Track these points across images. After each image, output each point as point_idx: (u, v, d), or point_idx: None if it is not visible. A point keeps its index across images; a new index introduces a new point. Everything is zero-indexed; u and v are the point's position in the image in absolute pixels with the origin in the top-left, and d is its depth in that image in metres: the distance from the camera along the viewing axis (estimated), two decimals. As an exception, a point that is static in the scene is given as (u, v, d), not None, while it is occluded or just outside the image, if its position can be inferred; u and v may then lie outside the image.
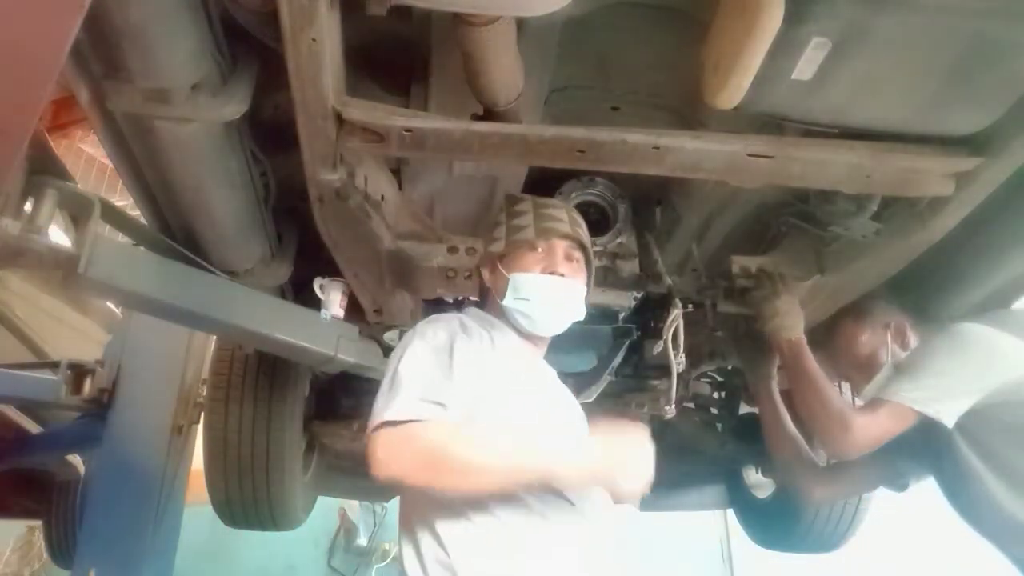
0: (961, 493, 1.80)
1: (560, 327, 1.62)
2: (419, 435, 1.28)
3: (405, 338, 1.51)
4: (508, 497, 1.33)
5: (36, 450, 3.76)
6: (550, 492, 1.36)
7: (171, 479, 3.06)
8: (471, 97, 1.44)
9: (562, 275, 1.59)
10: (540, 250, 1.59)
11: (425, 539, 1.34)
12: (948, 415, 1.69)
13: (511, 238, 1.61)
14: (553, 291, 1.57)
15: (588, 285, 1.67)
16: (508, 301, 1.57)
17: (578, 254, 1.63)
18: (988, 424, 1.70)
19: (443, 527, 1.33)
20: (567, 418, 1.57)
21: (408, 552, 1.37)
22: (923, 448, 1.85)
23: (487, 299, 1.68)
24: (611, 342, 2.27)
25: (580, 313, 1.63)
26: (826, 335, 2.11)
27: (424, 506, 1.37)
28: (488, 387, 1.42)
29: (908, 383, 1.75)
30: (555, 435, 1.44)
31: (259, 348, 2.51)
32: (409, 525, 1.39)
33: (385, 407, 1.32)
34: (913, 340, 1.96)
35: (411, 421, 1.29)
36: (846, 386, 2.63)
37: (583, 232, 1.65)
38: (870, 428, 1.76)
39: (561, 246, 1.60)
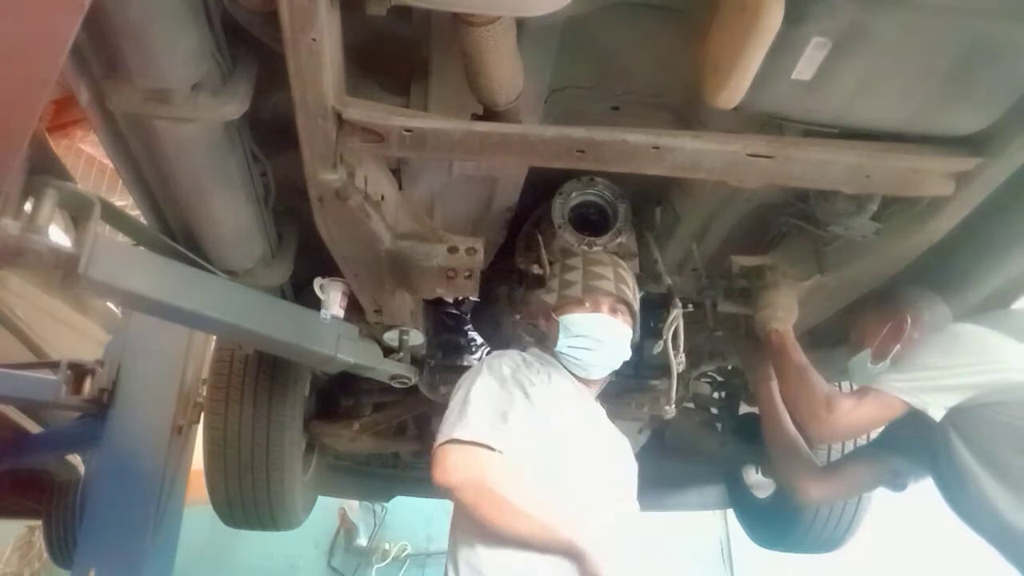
0: (958, 493, 1.80)
1: (608, 366, 1.74)
2: (480, 461, 1.43)
3: (472, 369, 1.66)
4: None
5: (36, 450, 3.75)
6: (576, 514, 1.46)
7: (171, 479, 3.06)
8: (471, 97, 1.44)
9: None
10: (587, 305, 1.74)
11: (464, 562, 1.46)
12: (935, 407, 1.70)
13: (562, 292, 1.78)
14: (598, 327, 1.72)
15: (634, 334, 1.79)
16: (560, 346, 1.73)
17: (623, 308, 1.77)
18: (983, 423, 1.71)
19: (484, 552, 1.44)
20: (612, 454, 1.72)
21: (450, 570, 1.49)
22: (920, 448, 1.85)
23: (545, 345, 1.81)
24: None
25: (626, 354, 1.77)
26: (849, 326, 2.12)
27: (470, 530, 1.47)
28: (545, 419, 1.54)
29: (896, 374, 1.77)
30: (599, 482, 1.58)
31: (259, 348, 2.51)
32: (454, 546, 1.50)
33: (455, 426, 1.47)
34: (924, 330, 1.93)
35: (476, 444, 1.43)
36: (846, 385, 2.63)
37: (627, 290, 1.78)
38: (854, 413, 1.78)
39: (607, 302, 1.75)
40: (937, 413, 1.70)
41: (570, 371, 1.74)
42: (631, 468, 1.80)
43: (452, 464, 1.44)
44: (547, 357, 1.77)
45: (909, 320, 1.94)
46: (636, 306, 1.81)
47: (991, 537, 1.76)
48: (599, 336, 1.71)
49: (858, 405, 1.78)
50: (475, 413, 1.49)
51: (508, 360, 1.66)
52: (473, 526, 1.46)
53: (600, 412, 1.79)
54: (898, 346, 1.93)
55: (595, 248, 2.01)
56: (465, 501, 1.43)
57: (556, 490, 1.48)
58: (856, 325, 2.09)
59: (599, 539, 1.40)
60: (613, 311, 1.75)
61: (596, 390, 1.81)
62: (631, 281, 1.82)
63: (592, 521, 1.46)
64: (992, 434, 1.71)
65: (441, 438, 1.48)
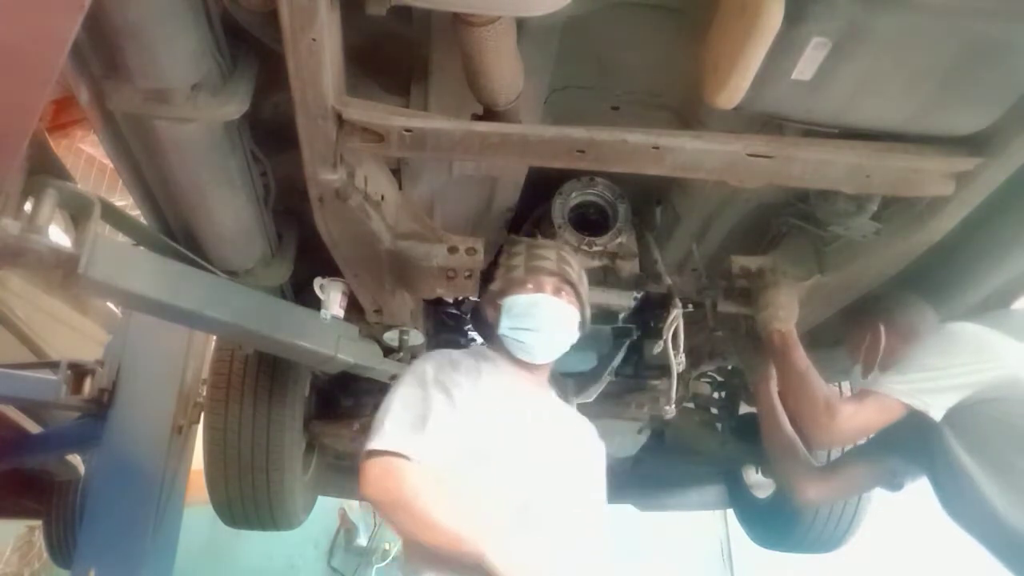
0: (953, 493, 1.80)
1: (553, 349, 1.70)
2: (394, 472, 1.42)
3: (401, 373, 1.64)
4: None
5: (36, 450, 3.75)
6: (510, 512, 1.45)
7: (171, 479, 3.06)
8: (471, 97, 1.44)
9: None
10: (530, 285, 1.71)
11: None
12: (935, 408, 1.70)
13: (506, 276, 1.75)
14: (540, 306, 1.67)
15: (582, 321, 1.75)
16: (503, 329, 1.69)
17: (567, 288, 1.72)
18: (981, 421, 1.71)
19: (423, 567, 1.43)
20: (559, 444, 1.64)
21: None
22: (917, 448, 1.85)
23: (491, 337, 1.79)
24: (611, 342, 2.27)
25: (571, 336, 1.72)
26: (846, 335, 2.13)
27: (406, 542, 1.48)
28: (470, 419, 1.51)
29: (896, 376, 1.77)
30: (531, 470, 1.54)
31: (259, 348, 2.51)
32: (402, 558, 1.51)
33: (373, 437, 1.47)
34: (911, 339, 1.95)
35: (392, 453, 1.43)
36: (845, 385, 2.63)
37: (571, 271, 1.74)
38: (856, 417, 1.78)
39: (549, 282, 1.71)
40: (937, 414, 1.70)
41: (516, 356, 1.70)
42: (590, 456, 1.74)
43: (371, 476, 1.43)
44: (486, 352, 1.75)
45: (882, 328, 1.97)
46: (582, 288, 1.76)
47: (985, 538, 1.76)
48: (541, 316, 1.67)
49: (859, 410, 1.78)
50: (392, 422, 1.48)
51: (433, 362, 1.63)
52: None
53: (547, 400, 1.75)
54: (880, 355, 1.94)
55: (595, 248, 2.01)
56: (382, 514, 1.45)
57: (479, 494, 1.45)
58: (845, 342, 2.11)
59: (506, 549, 1.35)
60: (557, 291, 1.71)
61: (544, 376, 1.77)
62: (575, 264, 1.77)
63: (504, 529, 1.42)
64: (989, 431, 1.71)
65: (363, 450, 1.48)
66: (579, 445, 1.73)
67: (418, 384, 1.56)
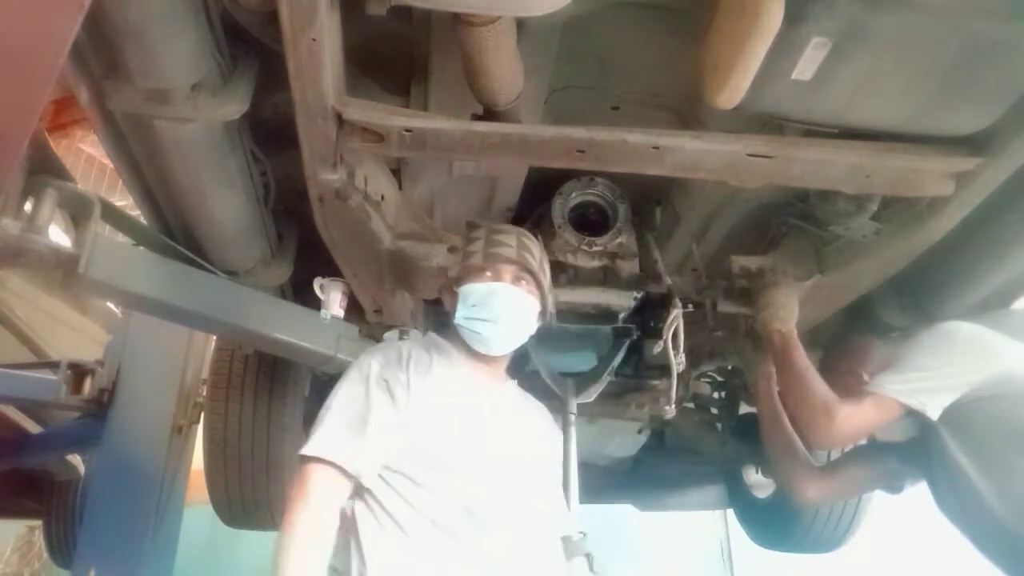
0: (949, 493, 1.80)
1: (510, 340, 1.62)
2: (308, 487, 1.37)
3: (347, 369, 1.55)
4: (420, 516, 1.40)
5: (36, 450, 3.75)
6: (456, 512, 1.41)
7: (171, 479, 3.06)
8: (471, 97, 1.44)
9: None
10: (488, 273, 1.61)
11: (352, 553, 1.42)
12: (932, 407, 1.71)
13: (464, 263, 1.65)
14: (497, 295, 1.58)
15: (544, 311, 1.67)
16: (459, 319, 1.60)
17: (527, 277, 1.63)
18: (976, 419, 1.71)
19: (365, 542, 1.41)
20: (513, 439, 1.58)
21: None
22: (916, 448, 1.85)
23: (448, 325, 1.70)
24: (611, 342, 2.27)
25: (531, 327, 1.64)
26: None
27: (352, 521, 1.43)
28: (416, 417, 1.45)
29: (893, 376, 1.77)
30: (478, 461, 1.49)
31: (259, 348, 2.51)
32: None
33: (309, 438, 1.41)
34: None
35: (325, 461, 1.37)
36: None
37: (531, 258, 1.64)
38: (854, 418, 1.78)
39: (508, 270, 1.61)
40: (935, 413, 1.71)
41: (472, 347, 1.60)
42: (549, 449, 1.70)
43: (296, 480, 1.38)
44: (439, 342, 1.65)
45: (852, 367, 2.04)
46: (544, 277, 1.67)
47: (978, 538, 1.76)
48: (499, 306, 1.58)
49: (857, 411, 1.78)
50: (329, 425, 1.43)
51: (380, 357, 1.54)
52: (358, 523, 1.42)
53: (504, 393, 1.67)
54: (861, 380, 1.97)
55: (595, 248, 2.01)
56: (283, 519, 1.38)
57: (430, 495, 1.41)
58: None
59: None
60: (516, 280, 1.61)
61: (502, 366, 1.68)
62: (537, 252, 1.67)
63: (457, 531, 1.40)
64: (985, 430, 1.71)
65: (299, 451, 1.43)
66: (539, 437, 1.68)
67: (361, 383, 1.48)
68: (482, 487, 1.46)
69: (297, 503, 1.35)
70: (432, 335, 1.71)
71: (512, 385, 1.71)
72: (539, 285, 1.65)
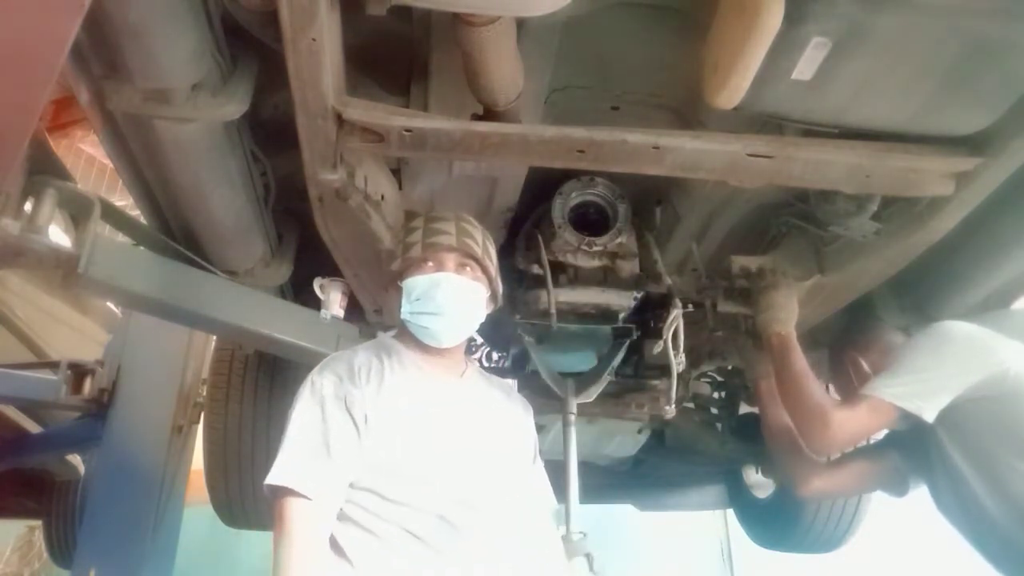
0: (947, 493, 1.80)
1: (459, 331, 1.57)
2: (284, 514, 1.33)
3: (300, 388, 1.50)
4: (396, 528, 1.38)
5: (36, 450, 3.76)
6: (431, 523, 1.40)
7: (171, 479, 3.06)
8: (471, 97, 1.44)
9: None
10: (430, 264, 1.56)
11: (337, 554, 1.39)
12: (927, 410, 1.70)
13: (404, 256, 1.59)
14: (440, 289, 1.53)
15: (495, 296, 1.63)
16: (404, 314, 1.55)
17: (471, 263, 1.57)
18: (973, 419, 1.71)
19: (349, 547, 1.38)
20: (475, 435, 1.54)
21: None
22: (916, 449, 1.85)
23: (396, 325, 1.66)
24: (611, 342, 2.27)
25: (480, 315, 1.59)
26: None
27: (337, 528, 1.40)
28: (377, 432, 1.42)
29: (888, 379, 1.77)
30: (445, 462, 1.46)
31: (259, 348, 2.51)
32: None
33: (273, 466, 1.37)
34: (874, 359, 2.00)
35: (289, 491, 1.34)
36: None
37: (473, 243, 1.58)
38: (849, 423, 1.77)
39: (450, 258, 1.56)
40: (931, 415, 1.70)
41: (423, 341, 1.56)
42: (520, 433, 1.65)
43: (275, 516, 1.35)
44: (389, 344, 1.60)
45: (856, 356, 2.03)
46: (490, 262, 1.61)
47: (976, 537, 1.76)
48: (443, 298, 1.52)
49: (852, 416, 1.78)
50: (291, 453, 1.39)
51: (331, 373, 1.47)
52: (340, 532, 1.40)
53: (464, 385, 1.61)
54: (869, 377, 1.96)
55: (595, 248, 2.01)
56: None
57: (401, 509, 1.40)
58: (835, 388, 2.14)
59: None
60: (460, 267, 1.55)
61: (458, 355, 1.63)
62: (479, 235, 1.61)
63: (431, 540, 1.39)
64: (981, 429, 1.71)
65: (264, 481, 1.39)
66: (506, 423, 1.63)
67: (318, 406, 1.43)
68: (454, 494, 1.43)
69: (282, 543, 1.32)
70: (382, 336, 1.68)
71: (472, 370, 1.67)
72: (484, 270, 1.59)
